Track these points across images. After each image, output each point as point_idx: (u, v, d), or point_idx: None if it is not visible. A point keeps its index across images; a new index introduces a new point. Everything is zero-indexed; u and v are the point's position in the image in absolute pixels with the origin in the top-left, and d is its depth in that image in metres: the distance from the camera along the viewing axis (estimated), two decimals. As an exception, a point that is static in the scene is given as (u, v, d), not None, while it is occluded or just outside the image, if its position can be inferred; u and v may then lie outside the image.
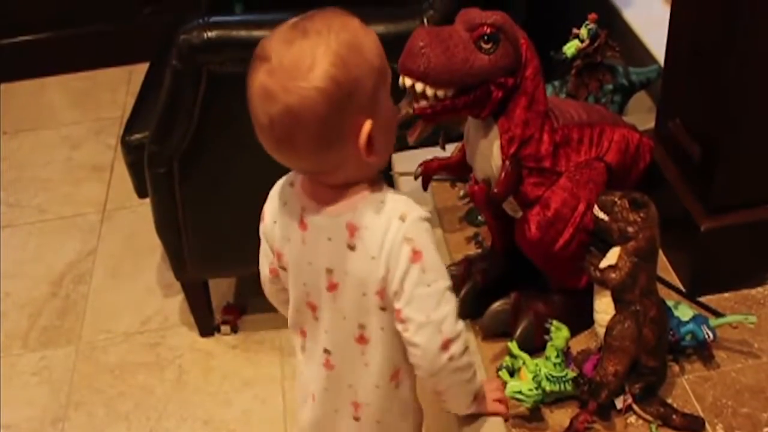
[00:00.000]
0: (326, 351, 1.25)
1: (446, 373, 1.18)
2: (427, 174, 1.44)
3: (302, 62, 1.02)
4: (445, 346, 1.14)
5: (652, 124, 1.51)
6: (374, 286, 1.14)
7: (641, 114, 1.75)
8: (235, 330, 2.40)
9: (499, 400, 1.27)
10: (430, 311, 1.13)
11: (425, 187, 1.45)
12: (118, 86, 3.51)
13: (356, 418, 1.28)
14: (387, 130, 1.12)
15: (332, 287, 1.18)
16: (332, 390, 1.28)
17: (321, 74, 1.02)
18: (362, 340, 1.21)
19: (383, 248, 1.11)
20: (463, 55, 1.16)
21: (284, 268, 1.23)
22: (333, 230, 1.14)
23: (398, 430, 1.30)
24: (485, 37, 1.17)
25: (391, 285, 1.13)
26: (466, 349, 1.17)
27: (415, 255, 1.11)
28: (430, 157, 1.47)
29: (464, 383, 1.21)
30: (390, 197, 1.13)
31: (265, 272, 1.30)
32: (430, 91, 1.17)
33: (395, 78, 1.16)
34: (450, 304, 1.14)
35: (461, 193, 1.35)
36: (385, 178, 1.19)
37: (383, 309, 1.17)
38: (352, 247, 1.13)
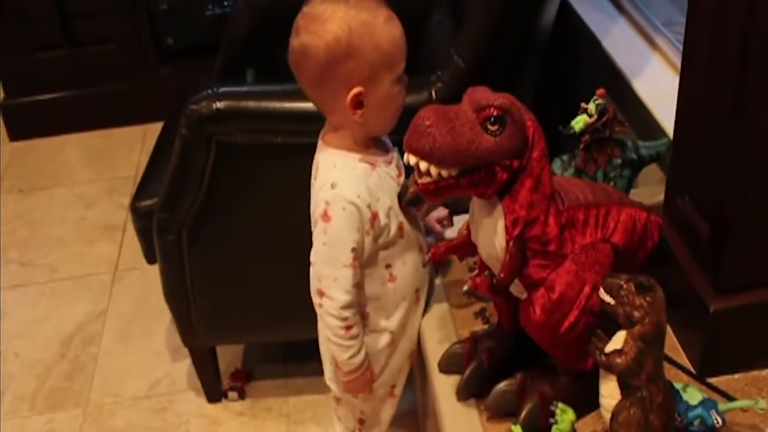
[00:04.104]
0: None
1: (318, 314, 1.46)
2: (436, 259, 1.44)
3: (323, 16, 1.35)
4: (319, 293, 1.43)
5: (662, 197, 1.49)
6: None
7: (651, 186, 1.74)
8: (242, 396, 2.38)
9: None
10: (317, 259, 1.42)
11: (437, 271, 1.45)
12: (134, 145, 3.54)
13: None
14: (381, 106, 1.39)
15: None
16: None
17: (329, 30, 1.33)
18: None
19: (317, 194, 1.41)
20: (469, 136, 1.16)
21: None
22: (315, 162, 1.47)
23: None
24: (492, 119, 1.16)
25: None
26: (341, 318, 1.41)
27: (325, 216, 1.39)
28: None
29: (327, 339, 1.47)
30: (341, 165, 1.41)
31: None
32: (434, 170, 1.17)
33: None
34: (335, 270, 1.40)
35: (464, 288, 1.35)
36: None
37: None
38: (314, 179, 1.45)
